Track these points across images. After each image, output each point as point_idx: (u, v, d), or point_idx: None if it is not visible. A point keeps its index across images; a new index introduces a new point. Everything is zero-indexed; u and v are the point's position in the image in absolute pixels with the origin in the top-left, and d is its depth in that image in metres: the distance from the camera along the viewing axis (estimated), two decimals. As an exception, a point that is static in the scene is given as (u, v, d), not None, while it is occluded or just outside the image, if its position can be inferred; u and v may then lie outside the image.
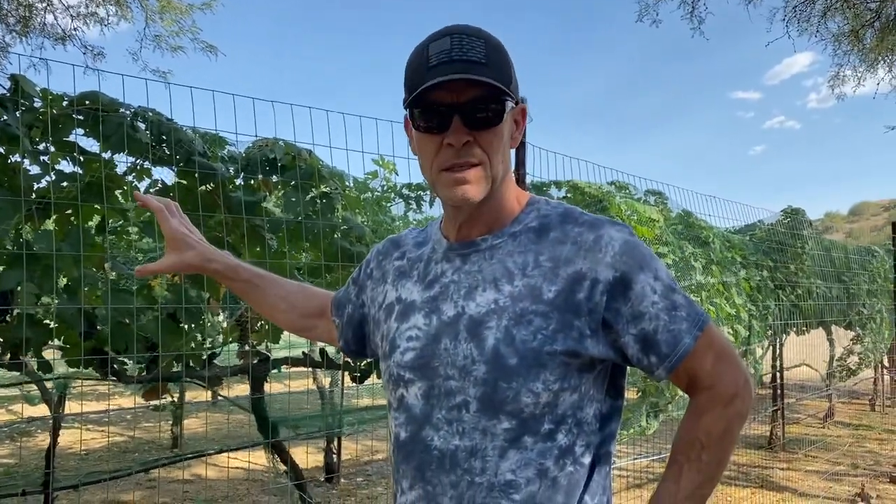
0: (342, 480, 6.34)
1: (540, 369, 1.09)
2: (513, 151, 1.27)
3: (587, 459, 1.15)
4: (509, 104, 1.14)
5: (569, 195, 4.64)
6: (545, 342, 1.09)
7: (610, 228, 1.14)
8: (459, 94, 1.09)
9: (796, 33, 7.55)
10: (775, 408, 7.43)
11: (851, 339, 8.79)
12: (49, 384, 4.33)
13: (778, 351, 7.40)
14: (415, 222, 6.06)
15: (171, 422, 7.47)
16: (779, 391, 7.42)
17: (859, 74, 8.55)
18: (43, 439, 7.41)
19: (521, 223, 1.20)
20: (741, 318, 5.32)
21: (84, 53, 8.03)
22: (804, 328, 7.28)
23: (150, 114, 2.61)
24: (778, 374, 7.43)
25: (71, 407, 6.54)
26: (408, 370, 1.19)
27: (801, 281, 6.79)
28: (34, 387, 4.39)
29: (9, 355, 2.49)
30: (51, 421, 4.06)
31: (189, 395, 7.30)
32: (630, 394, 4.69)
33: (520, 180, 2.84)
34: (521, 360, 1.09)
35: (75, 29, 7.71)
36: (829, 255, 7.69)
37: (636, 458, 6.40)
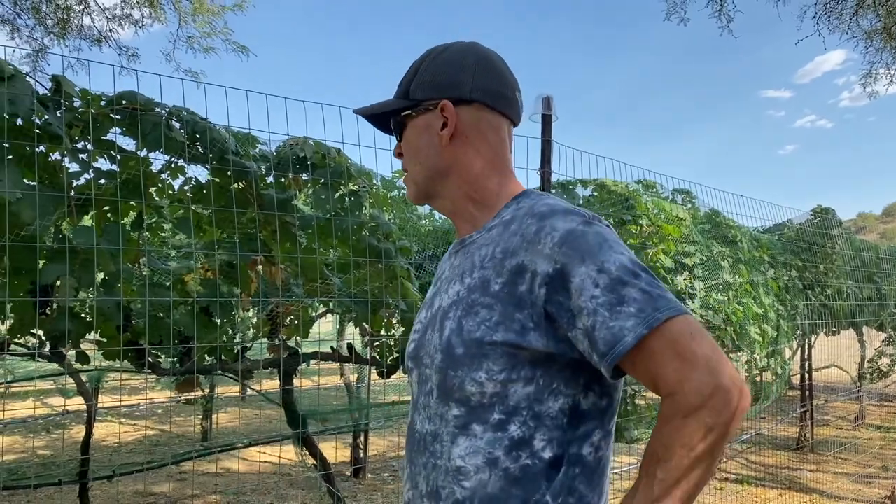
0: (368, 475, 6.41)
1: (482, 359, 1.10)
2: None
3: (548, 454, 1.10)
4: (408, 112, 1.28)
5: (595, 193, 4.66)
6: (486, 333, 1.10)
7: (557, 219, 1.10)
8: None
9: (827, 31, 7.47)
10: (804, 409, 7.36)
11: (883, 341, 8.67)
12: (84, 377, 4.44)
13: (807, 352, 7.33)
14: (440, 220, 6.10)
15: (201, 416, 7.59)
16: (807, 392, 7.35)
17: (892, 72, 8.43)
18: (77, 431, 7.57)
19: (499, 217, 1.23)
20: (769, 317, 5.28)
21: (119, 54, 8.20)
22: (834, 329, 7.20)
23: (185, 113, 2.67)
24: (807, 375, 7.36)
25: (104, 400, 6.69)
26: (410, 360, 1.29)
27: (831, 281, 6.72)
28: (69, 380, 4.51)
29: (48, 346, 2.57)
30: (85, 413, 4.16)
31: (219, 390, 7.41)
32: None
33: (545, 178, 2.87)
34: (466, 350, 1.12)
35: (111, 31, 7.88)
36: (860, 255, 7.59)
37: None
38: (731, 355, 5.15)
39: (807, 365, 7.34)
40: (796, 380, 7.73)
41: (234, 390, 9.38)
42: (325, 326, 7.46)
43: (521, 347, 1.08)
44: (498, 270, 1.13)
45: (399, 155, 1.33)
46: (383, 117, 1.33)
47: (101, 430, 7.36)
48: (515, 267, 1.10)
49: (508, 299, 1.10)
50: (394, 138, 1.34)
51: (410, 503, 1.22)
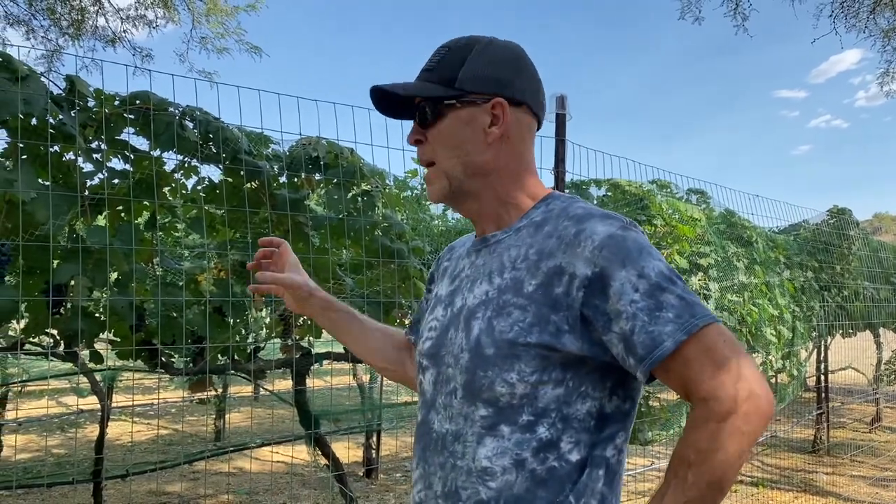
0: (381, 476, 6.41)
1: (514, 360, 1.10)
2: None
3: (574, 457, 1.10)
4: (451, 101, 1.21)
5: (609, 193, 4.63)
6: (520, 334, 1.10)
7: (595, 222, 1.11)
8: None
9: (844, 30, 7.41)
10: (820, 411, 7.29)
11: (900, 343, 8.59)
12: (98, 376, 4.46)
13: (823, 353, 7.26)
14: (453, 220, 6.09)
15: (214, 415, 7.62)
16: (823, 394, 7.28)
17: (910, 72, 8.34)
18: (91, 430, 7.61)
19: (528, 218, 1.23)
20: (784, 319, 5.24)
21: (133, 55, 8.26)
22: (850, 330, 7.13)
23: (198, 113, 2.67)
24: (823, 377, 7.30)
25: (118, 400, 6.72)
26: (424, 357, 1.26)
27: (848, 282, 6.66)
28: (83, 379, 4.53)
29: (62, 346, 2.58)
30: (99, 413, 4.18)
31: (232, 390, 7.44)
32: (671, 395, 4.65)
33: (559, 178, 2.85)
34: (497, 350, 1.11)
35: (125, 31, 7.93)
36: (877, 255, 7.52)
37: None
38: (746, 357, 5.10)
39: (823, 367, 7.28)
40: (812, 382, 7.67)
41: (247, 390, 9.42)
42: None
43: (554, 349, 1.09)
44: (532, 272, 1.12)
45: (417, 142, 1.25)
46: (403, 99, 1.24)
47: (114, 430, 7.40)
48: (552, 269, 1.10)
49: (543, 301, 1.10)
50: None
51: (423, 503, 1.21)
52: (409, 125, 1.29)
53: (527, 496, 1.09)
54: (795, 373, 5.82)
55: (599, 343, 1.09)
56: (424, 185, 5.58)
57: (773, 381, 6.42)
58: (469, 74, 1.20)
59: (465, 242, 1.42)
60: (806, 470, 6.64)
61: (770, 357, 5.03)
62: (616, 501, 1.15)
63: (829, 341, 7.26)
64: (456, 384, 1.16)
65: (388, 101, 1.26)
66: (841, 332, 7.01)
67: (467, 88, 1.20)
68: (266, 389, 5.14)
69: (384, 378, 6.27)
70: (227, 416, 7.78)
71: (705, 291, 4.33)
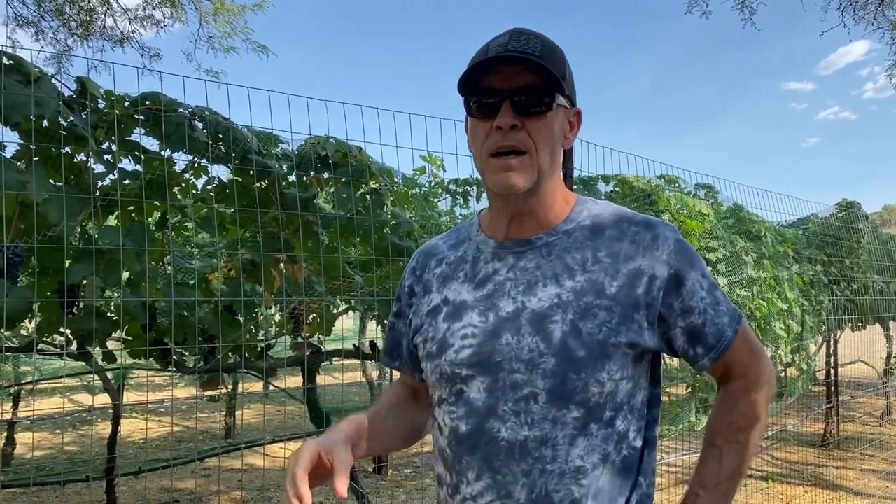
0: (391, 472, 6.43)
1: (605, 360, 1.13)
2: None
3: (639, 443, 1.21)
4: (561, 99, 1.19)
5: (617, 189, 4.63)
6: (610, 335, 1.13)
7: (664, 229, 1.21)
8: (512, 81, 1.16)
9: (852, 21, 7.35)
10: (829, 405, 7.28)
11: (911, 336, 8.55)
12: (110, 374, 4.50)
13: (832, 347, 7.25)
14: (461, 217, 6.10)
15: (225, 412, 7.66)
16: (833, 388, 7.26)
17: (919, 63, 8.27)
18: (104, 428, 7.66)
19: (574, 221, 1.24)
20: (794, 313, 5.23)
21: (141, 55, 8.28)
22: (860, 324, 7.11)
23: (208, 113, 2.69)
24: (832, 371, 7.28)
25: (129, 398, 6.77)
26: (465, 367, 1.20)
27: (857, 276, 6.63)
28: (96, 377, 4.57)
29: (75, 345, 2.61)
30: (111, 410, 4.22)
31: (243, 387, 7.48)
32: (679, 389, 4.66)
33: (567, 175, 2.86)
34: (589, 353, 1.13)
35: (133, 31, 7.95)
36: (886, 249, 7.49)
37: (685, 454, 6.34)
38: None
39: (832, 360, 7.26)
40: (821, 376, 7.65)
41: (258, 387, 9.46)
42: (346, 323, 7.49)
43: (637, 346, 1.17)
44: (612, 274, 1.18)
45: (512, 127, 1.15)
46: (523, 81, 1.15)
47: (126, 427, 7.46)
48: (632, 271, 1.18)
49: (627, 301, 1.16)
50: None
51: None
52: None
53: (609, 486, 1.16)
54: (805, 367, 5.81)
55: (664, 337, 1.21)
56: (432, 183, 5.60)
57: (782, 375, 6.42)
58: (569, 78, 1.22)
59: (448, 244, 1.37)
60: (816, 464, 6.63)
61: (779, 351, 5.02)
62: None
63: (838, 335, 7.23)
64: (535, 389, 1.14)
65: (481, 73, 1.16)
66: (850, 325, 6.99)
67: (570, 91, 1.22)
68: (276, 387, 5.16)
69: (393, 374, 6.30)
70: (237, 413, 7.82)
71: (714, 286, 4.32)
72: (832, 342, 7.25)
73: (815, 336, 6.05)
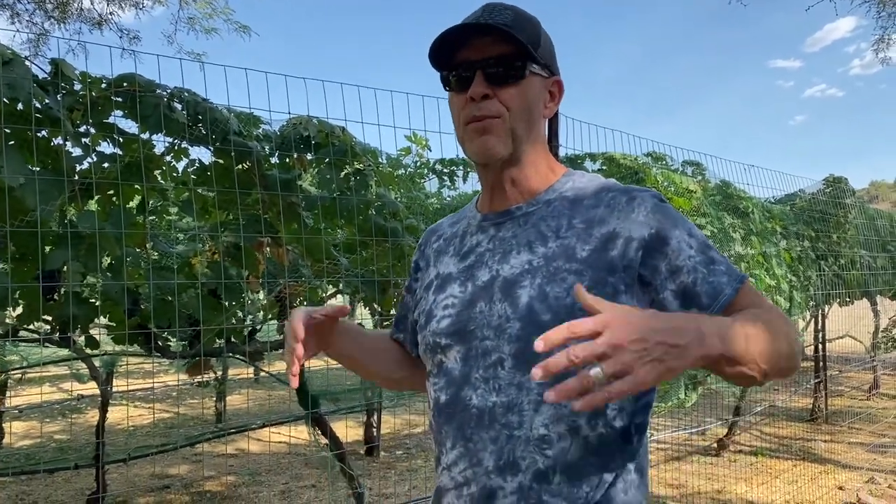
0: (382, 453, 6.44)
1: None
2: (546, 123, 1.29)
3: (619, 424, 1.15)
4: (535, 67, 1.19)
5: (604, 167, 4.60)
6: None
7: (644, 193, 1.18)
8: (483, 52, 1.16)
9: (839, -4, 7.31)
10: (818, 380, 7.33)
11: (897, 310, 8.62)
12: (97, 362, 4.46)
13: (820, 322, 7.29)
14: (448, 198, 6.07)
15: (214, 398, 7.64)
16: (821, 363, 7.31)
17: (905, 37, 8.26)
18: (92, 416, 7.64)
19: (557, 191, 1.24)
20: (782, 289, 5.24)
21: (120, 37, 8.14)
22: (847, 299, 7.15)
23: (186, 94, 2.64)
24: (820, 346, 7.32)
25: (118, 384, 6.74)
26: (444, 336, 1.22)
27: (844, 251, 6.66)
28: (83, 365, 4.53)
29: (58, 332, 2.57)
30: (99, 398, 4.19)
31: (232, 372, 7.46)
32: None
33: (553, 153, 2.82)
34: (555, 316, 1.10)
35: (111, 13, 7.81)
36: (873, 223, 7.52)
37: (675, 431, 6.38)
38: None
39: (820, 336, 7.30)
40: (810, 351, 7.70)
41: (248, 372, 9.44)
42: (335, 306, 7.46)
43: None
44: (584, 238, 1.15)
45: (484, 97, 1.16)
46: (496, 51, 1.16)
47: (115, 414, 7.42)
48: (606, 234, 1.14)
49: (599, 264, 1.13)
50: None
51: (467, 483, 1.17)
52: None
53: (580, 463, 1.11)
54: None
55: (651, 304, 1.14)
56: (418, 163, 5.56)
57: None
58: (545, 46, 1.21)
59: (455, 222, 1.39)
60: (804, 438, 6.68)
61: (767, 327, 5.02)
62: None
63: (826, 310, 7.27)
64: (501, 355, 1.14)
65: (450, 45, 1.18)
66: (838, 300, 7.03)
67: (546, 61, 1.22)
68: (265, 371, 5.14)
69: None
70: (228, 397, 7.80)
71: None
72: (820, 317, 7.29)
73: (804, 312, 6.07)
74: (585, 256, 1.14)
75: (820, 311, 7.12)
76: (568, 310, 1.10)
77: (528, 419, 1.12)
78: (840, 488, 5.15)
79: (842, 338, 8.12)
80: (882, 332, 8.70)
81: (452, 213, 1.47)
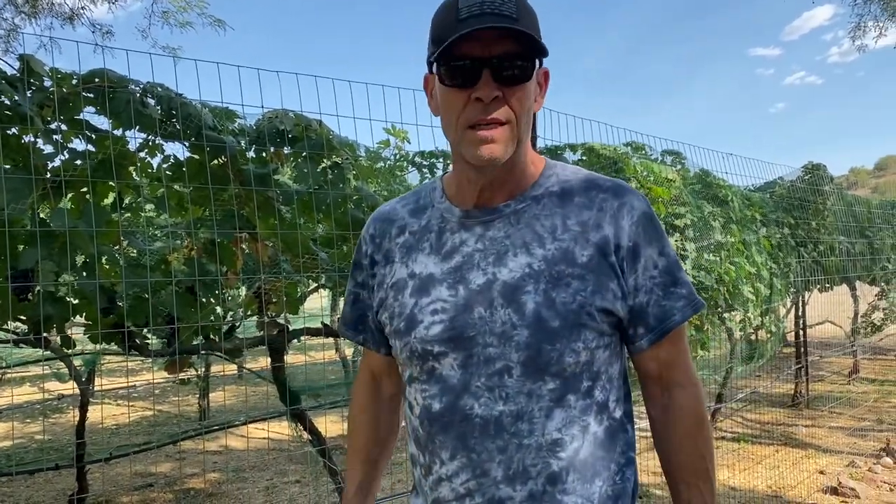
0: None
1: (581, 329, 1.11)
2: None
3: (618, 414, 1.19)
4: (537, 64, 1.13)
5: (584, 158, 4.61)
6: (585, 303, 1.11)
7: (632, 197, 1.18)
8: (491, 47, 1.06)
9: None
10: (798, 365, 7.39)
11: (876, 295, 8.71)
12: (77, 361, 4.41)
13: (801, 309, 7.35)
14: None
15: (197, 395, 7.59)
16: (802, 349, 7.38)
17: (881, 25, 8.34)
18: (74, 415, 7.57)
19: (543, 187, 1.20)
20: (762, 276, 5.28)
21: (93, 32, 8.02)
22: (827, 285, 7.22)
23: (159, 89, 2.60)
24: (801, 332, 7.39)
25: (100, 383, 6.68)
26: (436, 343, 1.16)
27: (823, 237, 6.71)
28: (62, 364, 4.48)
29: (32, 333, 2.53)
30: (80, 397, 4.15)
31: (215, 369, 7.41)
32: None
33: (532, 144, 2.82)
34: (563, 322, 1.10)
35: (83, 8, 7.69)
36: (851, 210, 7.58)
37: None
38: (724, 315, 5.16)
39: (801, 322, 7.37)
40: (791, 337, 7.76)
41: (231, 369, 9.39)
42: (319, 301, 7.44)
43: (612, 314, 1.14)
44: (581, 242, 1.14)
45: (496, 100, 1.08)
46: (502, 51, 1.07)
47: (97, 413, 7.36)
48: (602, 239, 1.14)
49: (600, 269, 1.13)
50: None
51: (470, 495, 1.13)
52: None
53: (590, 459, 1.13)
54: (774, 329, 5.89)
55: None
56: (397, 156, 5.53)
57: (752, 337, 6.49)
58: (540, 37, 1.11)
59: (408, 209, 1.30)
60: (786, 423, 6.75)
61: (749, 314, 5.07)
62: None
63: (806, 297, 7.34)
64: (508, 362, 1.11)
65: (449, 31, 1.06)
66: (818, 286, 7.09)
67: (546, 53, 1.11)
68: (244, 368, 5.11)
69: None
70: (211, 394, 7.75)
71: (682, 252, 4.34)
72: (800, 304, 7.35)
73: (784, 298, 6.13)
74: (586, 262, 1.13)
75: (800, 298, 7.18)
76: (575, 315, 1.10)
77: (539, 426, 1.11)
78: (821, 472, 5.21)
79: (822, 323, 8.19)
80: (861, 317, 8.79)
81: (401, 198, 1.35)
